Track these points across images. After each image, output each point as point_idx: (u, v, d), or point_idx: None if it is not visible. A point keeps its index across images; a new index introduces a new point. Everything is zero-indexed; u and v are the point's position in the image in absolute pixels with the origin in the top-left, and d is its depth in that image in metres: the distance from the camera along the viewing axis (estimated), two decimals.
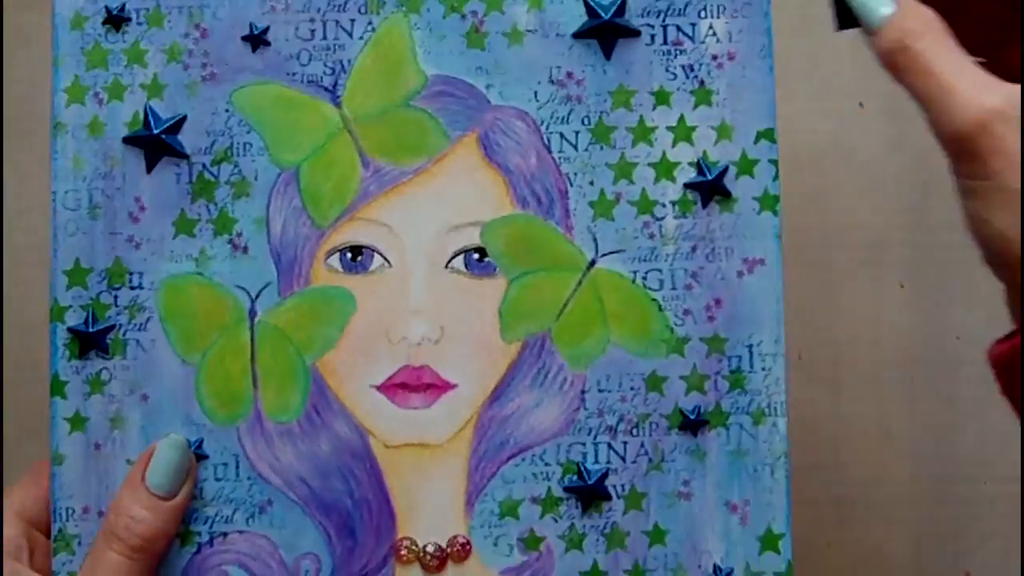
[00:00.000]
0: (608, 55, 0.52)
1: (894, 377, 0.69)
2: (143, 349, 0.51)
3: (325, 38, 0.52)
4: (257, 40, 0.52)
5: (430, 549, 0.50)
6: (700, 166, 0.51)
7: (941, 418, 0.69)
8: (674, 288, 0.51)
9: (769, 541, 0.51)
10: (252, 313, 0.51)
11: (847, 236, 0.69)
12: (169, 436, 0.50)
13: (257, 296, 0.51)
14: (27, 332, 0.68)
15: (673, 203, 0.51)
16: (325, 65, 0.52)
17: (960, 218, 0.45)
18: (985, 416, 0.69)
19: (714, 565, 0.51)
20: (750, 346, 0.51)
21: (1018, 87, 0.43)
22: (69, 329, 0.51)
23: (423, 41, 0.52)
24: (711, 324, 0.51)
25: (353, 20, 0.52)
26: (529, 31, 0.52)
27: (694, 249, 0.51)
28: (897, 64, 0.46)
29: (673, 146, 0.52)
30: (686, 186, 0.51)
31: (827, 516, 0.69)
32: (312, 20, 0.52)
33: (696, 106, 0.51)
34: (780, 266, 0.52)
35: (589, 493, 0.51)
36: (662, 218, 0.51)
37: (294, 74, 0.52)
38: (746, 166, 0.51)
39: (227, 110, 0.52)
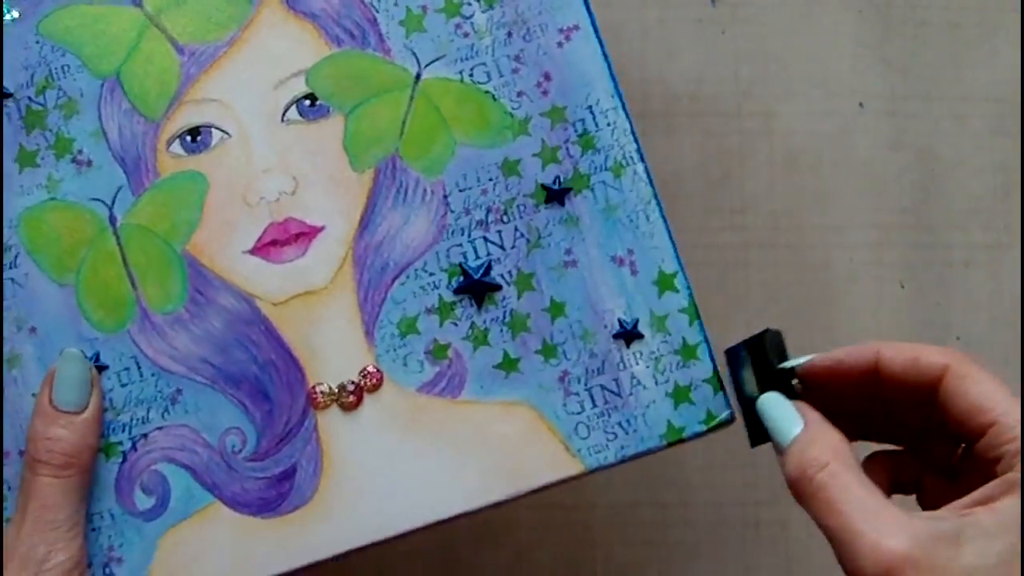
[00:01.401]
0: None
1: None
2: (19, 285, 0.52)
3: None
4: None
5: (344, 387, 0.51)
6: None
7: None
8: (502, 76, 0.53)
9: (664, 282, 0.52)
10: (112, 220, 0.52)
11: (847, 236, 0.69)
12: (63, 352, 0.51)
13: (113, 203, 0.52)
14: None
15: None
16: None
17: (960, 218, 0.45)
18: None
19: (619, 320, 0.52)
20: (589, 107, 0.53)
21: (928, 525, 0.42)
22: None
23: None
24: (547, 98, 0.53)
25: None
26: None
27: (510, 35, 0.53)
28: (802, 493, 0.44)
29: None
30: None
31: None
32: None
33: None
34: (592, 25, 0.53)
35: (479, 288, 0.52)
36: (471, 16, 0.53)
37: None
38: None
39: (37, 42, 0.54)
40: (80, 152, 0.53)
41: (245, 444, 0.51)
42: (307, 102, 0.53)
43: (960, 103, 0.70)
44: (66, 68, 0.54)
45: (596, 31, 0.53)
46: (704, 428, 0.51)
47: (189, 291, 0.52)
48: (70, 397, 0.50)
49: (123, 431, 0.51)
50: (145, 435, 0.51)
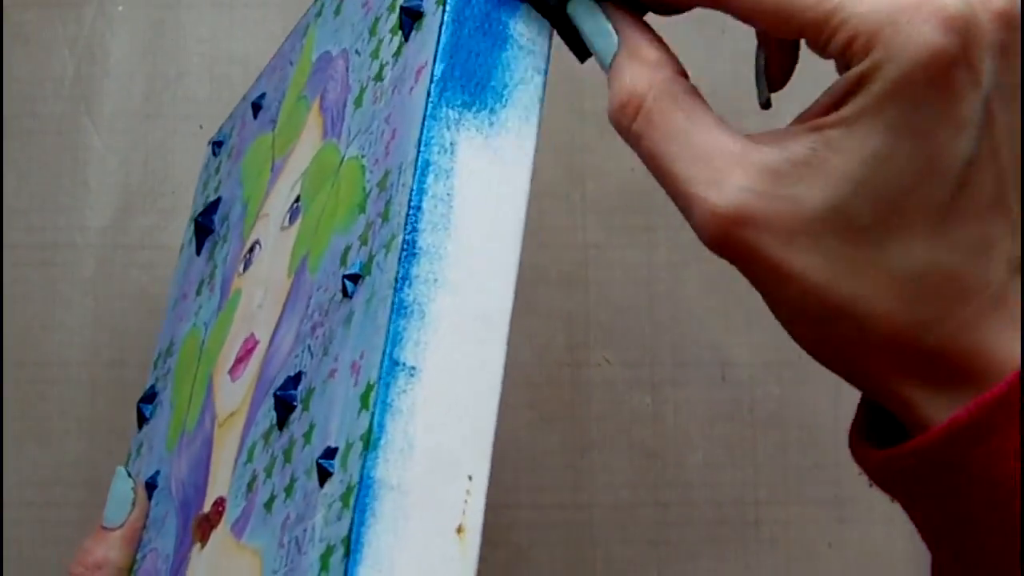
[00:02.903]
0: None
1: None
2: (161, 404, 0.53)
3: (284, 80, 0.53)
4: (257, 107, 0.55)
5: (200, 521, 0.45)
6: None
7: None
8: (374, 143, 0.41)
9: (365, 397, 0.35)
10: (202, 344, 0.51)
11: None
12: (117, 470, 0.51)
13: (206, 327, 0.51)
14: (27, 332, 0.68)
15: (394, 56, 0.42)
16: (279, 103, 0.53)
17: None
18: None
19: (326, 449, 0.36)
20: (400, 164, 0.38)
21: (766, 158, 0.33)
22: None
23: (316, 34, 0.51)
24: (386, 160, 0.39)
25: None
26: None
27: (394, 90, 0.41)
28: (628, 142, 0.36)
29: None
30: (400, 27, 0.41)
31: (827, 516, 0.69)
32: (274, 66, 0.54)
33: None
34: (435, 55, 0.38)
35: (280, 407, 0.40)
36: (385, 78, 0.42)
37: (270, 121, 0.53)
38: None
39: (229, 173, 0.55)
40: (213, 278, 0.52)
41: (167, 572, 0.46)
42: (296, 205, 0.46)
43: None
44: (236, 199, 0.53)
45: (437, 59, 0.38)
46: None
47: (200, 413, 0.48)
48: (108, 513, 0.50)
49: (139, 551, 0.50)
50: (144, 555, 0.49)
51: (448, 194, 0.36)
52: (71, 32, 0.71)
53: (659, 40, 0.37)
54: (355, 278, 0.38)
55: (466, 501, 0.34)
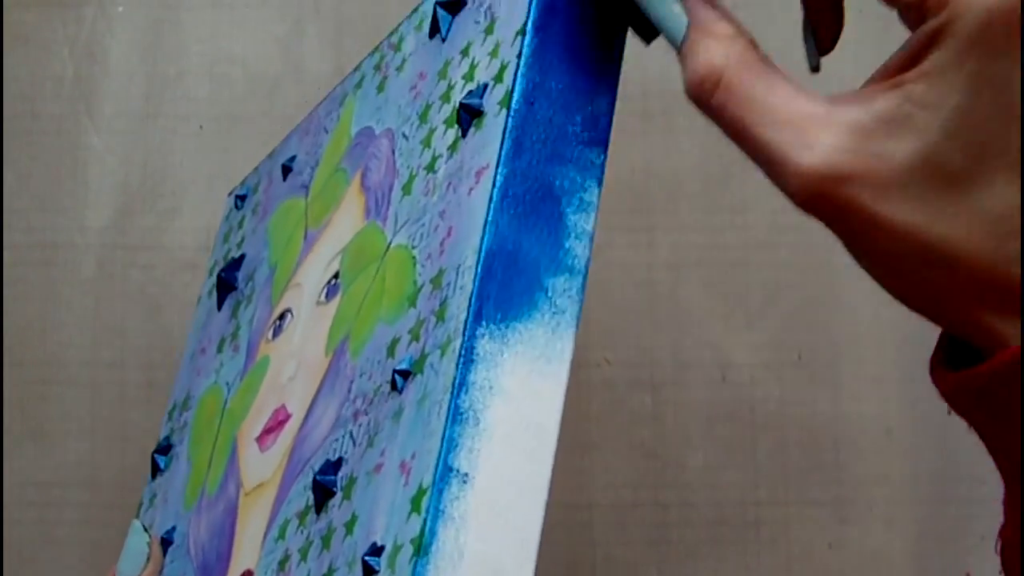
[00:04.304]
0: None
1: (894, 377, 0.69)
2: (177, 458, 0.53)
3: (318, 146, 0.53)
4: (287, 169, 0.55)
5: None
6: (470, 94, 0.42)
7: (941, 418, 0.69)
8: (425, 236, 0.41)
9: (416, 501, 0.35)
10: (224, 404, 0.51)
11: None
12: (132, 522, 0.50)
13: (229, 388, 0.51)
14: (27, 332, 0.68)
15: (449, 149, 0.42)
16: (312, 169, 0.53)
17: None
18: None
19: (372, 545, 0.36)
20: (458, 266, 0.38)
21: (853, 116, 0.34)
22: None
23: (356, 106, 0.51)
24: (441, 259, 0.39)
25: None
26: (411, 54, 0.47)
27: (449, 186, 0.41)
28: (710, 116, 0.36)
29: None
30: (458, 121, 0.42)
31: (827, 516, 0.69)
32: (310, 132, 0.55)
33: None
34: (499, 159, 0.38)
35: (319, 491, 0.41)
36: (438, 170, 0.42)
37: (302, 186, 0.53)
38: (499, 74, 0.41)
39: (254, 230, 0.55)
40: (236, 337, 0.52)
41: None
42: (334, 281, 0.46)
43: None
44: (262, 260, 0.53)
45: (500, 167, 0.38)
46: None
47: (223, 477, 0.48)
48: (121, 566, 0.49)
49: None
50: None
51: None
52: (71, 32, 0.71)
53: (729, 14, 0.38)
54: (405, 374, 0.38)
55: None
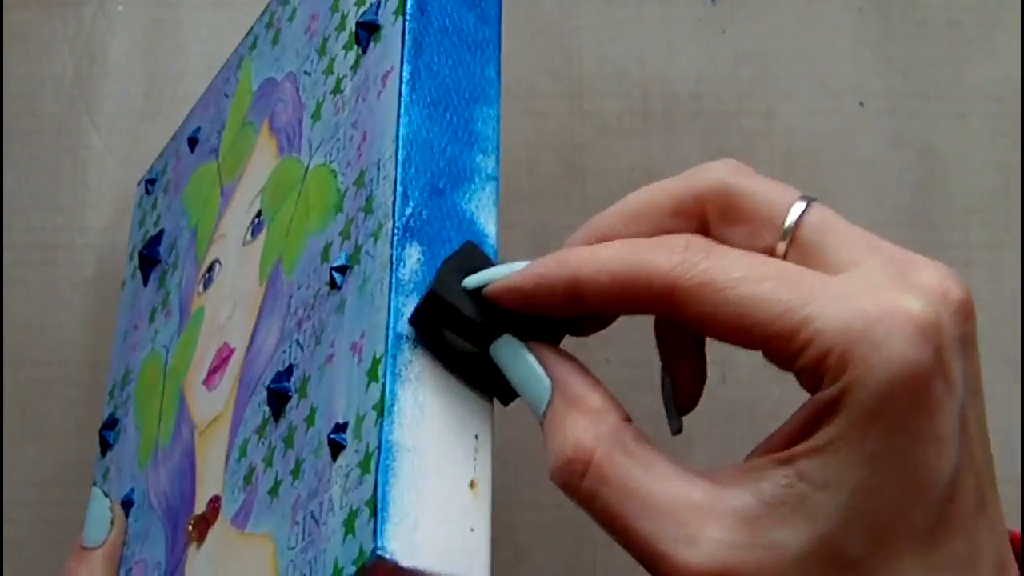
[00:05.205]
0: None
1: None
2: (124, 431, 0.54)
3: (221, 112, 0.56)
4: (193, 141, 0.57)
5: (197, 520, 0.45)
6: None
7: None
8: (342, 148, 0.43)
9: (372, 371, 0.37)
10: (166, 364, 0.52)
11: None
12: (91, 490, 0.51)
13: (168, 348, 0.52)
14: (27, 332, 0.68)
15: (352, 68, 0.45)
16: (219, 133, 0.55)
17: (960, 217, 0.45)
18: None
19: (335, 425, 0.38)
20: (378, 161, 0.40)
21: (742, 502, 0.31)
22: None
23: (254, 65, 0.54)
24: (359, 162, 0.42)
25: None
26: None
27: (358, 98, 0.43)
28: (577, 502, 0.33)
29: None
30: (356, 41, 0.44)
31: None
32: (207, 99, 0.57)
33: None
34: (401, 60, 0.41)
35: (275, 399, 0.42)
36: (344, 89, 0.45)
37: (211, 151, 0.55)
38: None
39: (170, 207, 0.57)
40: (167, 303, 0.53)
41: None
42: (258, 220, 0.48)
43: (960, 102, 0.70)
44: (182, 228, 0.54)
45: (405, 65, 0.40)
46: (354, 570, 0.35)
47: (175, 426, 0.49)
48: (87, 534, 0.50)
49: (122, 566, 0.50)
50: (129, 569, 0.49)
51: None
52: (71, 32, 0.71)
53: (597, 383, 0.34)
54: (343, 269, 0.40)
55: (475, 458, 0.36)
